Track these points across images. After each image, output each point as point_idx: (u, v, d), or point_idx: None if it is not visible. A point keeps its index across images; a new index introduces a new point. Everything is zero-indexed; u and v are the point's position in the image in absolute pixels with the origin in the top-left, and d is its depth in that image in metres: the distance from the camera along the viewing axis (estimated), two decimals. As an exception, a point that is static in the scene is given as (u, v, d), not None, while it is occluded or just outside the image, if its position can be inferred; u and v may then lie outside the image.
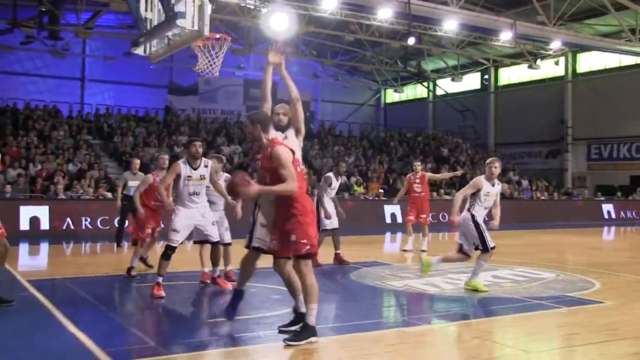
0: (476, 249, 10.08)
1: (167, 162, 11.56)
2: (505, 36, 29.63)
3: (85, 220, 20.41)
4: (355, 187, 28.73)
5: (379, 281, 11.01)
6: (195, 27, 9.62)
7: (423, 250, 15.91)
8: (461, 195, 10.24)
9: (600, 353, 6.57)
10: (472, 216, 10.05)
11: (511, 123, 43.31)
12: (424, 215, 16.37)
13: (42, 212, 19.99)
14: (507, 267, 12.81)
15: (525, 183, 35.66)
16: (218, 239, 9.89)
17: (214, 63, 11.79)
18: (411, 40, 28.44)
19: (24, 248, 16.44)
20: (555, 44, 32.49)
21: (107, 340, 6.72)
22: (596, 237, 22.88)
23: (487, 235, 9.97)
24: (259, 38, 32.25)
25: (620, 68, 38.38)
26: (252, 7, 25.69)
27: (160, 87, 39.95)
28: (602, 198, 34.96)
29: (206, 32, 9.83)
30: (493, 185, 10.14)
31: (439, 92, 49.12)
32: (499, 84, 45.68)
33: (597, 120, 38.91)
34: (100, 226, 20.38)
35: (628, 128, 37.66)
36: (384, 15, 26.06)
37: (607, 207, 32.40)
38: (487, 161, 10.47)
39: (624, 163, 38.92)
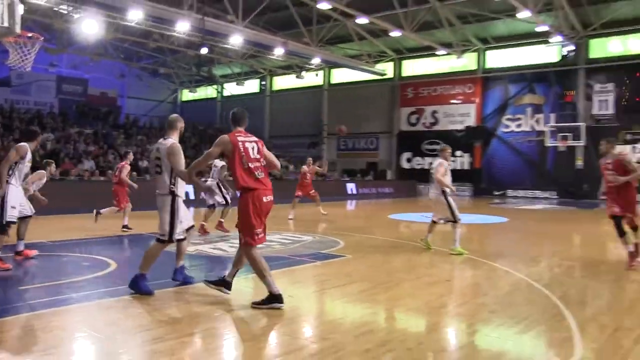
0: (448, 221, 10.33)
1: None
2: (279, 51, 30.21)
3: None
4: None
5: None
6: (5, 24, 8.69)
7: (324, 214, 17.56)
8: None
9: (342, 293, 7.06)
10: (443, 192, 10.20)
11: (282, 120, 44.38)
12: (313, 191, 17.77)
13: None
14: (277, 233, 13.10)
15: (291, 167, 36.55)
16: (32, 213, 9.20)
17: (26, 59, 10.90)
18: (204, 50, 28.15)
19: None
20: (316, 60, 33.68)
21: None
22: (342, 208, 23.90)
23: (455, 209, 10.17)
24: (72, 40, 30.39)
25: (361, 82, 40.48)
26: (65, 12, 23.98)
27: (-32, 77, 34.98)
28: (347, 179, 36.76)
29: (17, 30, 8.94)
30: (449, 163, 10.45)
31: (225, 93, 48.97)
32: (273, 89, 46.34)
33: (345, 119, 40.68)
34: None
35: (365, 126, 40.06)
36: (182, 28, 25.53)
37: (351, 186, 34.02)
38: (441, 147, 10.70)
39: (362, 152, 41.45)
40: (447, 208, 10.20)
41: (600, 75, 32.06)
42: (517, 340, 5.29)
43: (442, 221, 10.44)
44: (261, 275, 6.22)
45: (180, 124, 7.05)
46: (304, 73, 38.59)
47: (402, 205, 26.01)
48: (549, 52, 32.89)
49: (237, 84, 44.48)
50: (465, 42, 34.25)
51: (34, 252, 9.12)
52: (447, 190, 10.22)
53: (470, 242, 9.81)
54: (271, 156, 6.52)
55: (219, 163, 12.65)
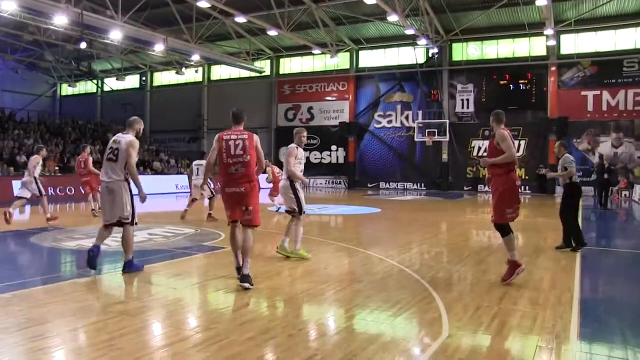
0: (290, 213, 8.99)
1: None
2: (159, 48, 29.39)
3: None
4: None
5: (55, 243, 10.27)
6: None
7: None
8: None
9: (225, 283, 6.95)
10: (291, 182, 8.84)
11: (162, 115, 43.20)
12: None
13: None
14: (159, 226, 12.79)
15: (172, 161, 35.73)
16: None
17: None
18: (83, 45, 26.75)
19: None
20: (196, 57, 33.07)
21: None
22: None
23: (302, 200, 8.87)
24: None
25: (240, 79, 40.47)
26: None
27: None
28: (211, 175, 36.25)
29: None
30: (304, 151, 9.10)
31: (106, 88, 46.94)
32: (153, 85, 45.09)
33: (224, 115, 40.14)
34: None
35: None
36: (60, 21, 24.17)
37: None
38: (296, 130, 9.07)
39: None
40: (293, 199, 8.87)
41: (462, 76, 33.79)
42: (391, 322, 5.45)
43: (281, 209, 9.21)
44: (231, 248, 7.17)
45: (138, 125, 7.72)
46: (184, 69, 37.92)
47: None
48: (417, 54, 34.18)
49: (117, 79, 42.84)
50: (339, 42, 34.89)
51: None
52: (297, 182, 8.91)
53: (345, 232, 9.99)
54: (260, 155, 7.17)
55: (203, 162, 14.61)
